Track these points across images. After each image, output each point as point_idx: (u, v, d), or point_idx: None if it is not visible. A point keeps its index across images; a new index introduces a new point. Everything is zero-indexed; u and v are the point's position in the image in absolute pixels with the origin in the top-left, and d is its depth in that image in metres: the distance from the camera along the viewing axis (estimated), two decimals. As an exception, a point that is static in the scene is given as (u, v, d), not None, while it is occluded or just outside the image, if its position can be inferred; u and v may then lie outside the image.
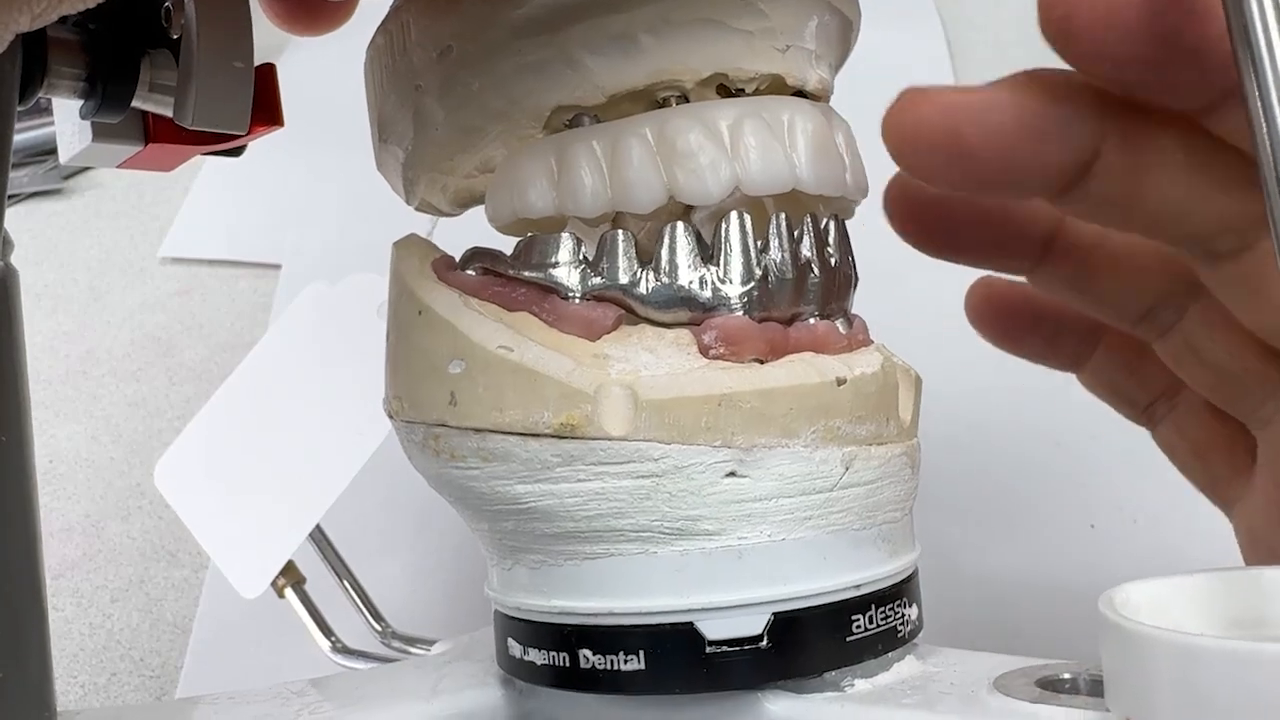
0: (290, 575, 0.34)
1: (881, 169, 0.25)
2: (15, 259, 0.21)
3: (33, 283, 0.56)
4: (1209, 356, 0.22)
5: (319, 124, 0.44)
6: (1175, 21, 0.18)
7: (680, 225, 0.20)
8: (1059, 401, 0.29)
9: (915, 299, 0.34)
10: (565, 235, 0.20)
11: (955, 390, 0.41)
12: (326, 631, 0.34)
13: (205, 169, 0.61)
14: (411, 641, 0.34)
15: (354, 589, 0.35)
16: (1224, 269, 0.21)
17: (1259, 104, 0.16)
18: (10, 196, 0.59)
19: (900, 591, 0.21)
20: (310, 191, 0.58)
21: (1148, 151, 0.20)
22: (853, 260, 0.22)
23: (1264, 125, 0.16)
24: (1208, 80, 0.19)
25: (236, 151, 0.25)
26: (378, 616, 0.35)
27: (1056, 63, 0.20)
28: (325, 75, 0.38)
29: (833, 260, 0.21)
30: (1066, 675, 0.19)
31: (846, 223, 0.22)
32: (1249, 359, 0.23)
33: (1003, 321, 0.28)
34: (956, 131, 0.20)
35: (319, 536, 0.35)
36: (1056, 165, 0.20)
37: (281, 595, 0.34)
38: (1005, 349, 0.29)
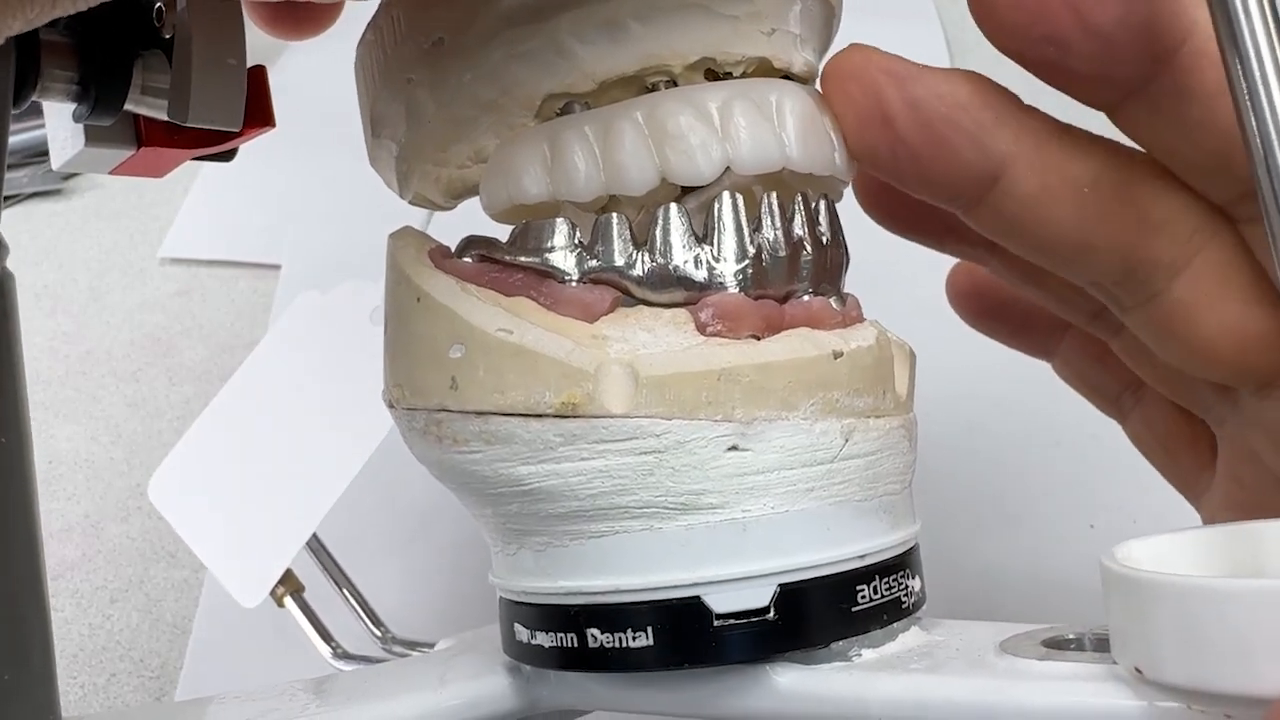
0: (289, 584, 0.34)
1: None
2: (14, 260, 0.21)
3: (32, 283, 0.56)
4: (1158, 359, 0.22)
5: (318, 125, 0.44)
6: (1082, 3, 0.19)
7: (674, 206, 0.20)
8: (1059, 401, 0.29)
9: (914, 300, 0.34)
10: (560, 220, 0.20)
11: (955, 390, 0.41)
12: (326, 638, 0.34)
13: (205, 170, 0.61)
14: (412, 645, 0.34)
15: (352, 595, 0.35)
16: (1134, 315, 0.22)
17: (1247, 102, 0.17)
18: (9, 197, 0.59)
19: (903, 563, 0.21)
20: (309, 192, 0.58)
21: (1056, 177, 0.20)
22: (844, 240, 0.22)
23: (1253, 121, 0.17)
24: (1116, 67, 0.19)
25: (228, 156, 0.25)
26: (377, 622, 0.35)
27: None
28: (324, 77, 0.38)
29: (824, 239, 0.21)
30: (1071, 635, 0.19)
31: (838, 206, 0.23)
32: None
33: (975, 304, 0.29)
34: (879, 90, 0.21)
35: (315, 544, 0.35)
36: (963, 165, 0.21)
37: (281, 604, 0.34)
38: (980, 331, 0.29)
